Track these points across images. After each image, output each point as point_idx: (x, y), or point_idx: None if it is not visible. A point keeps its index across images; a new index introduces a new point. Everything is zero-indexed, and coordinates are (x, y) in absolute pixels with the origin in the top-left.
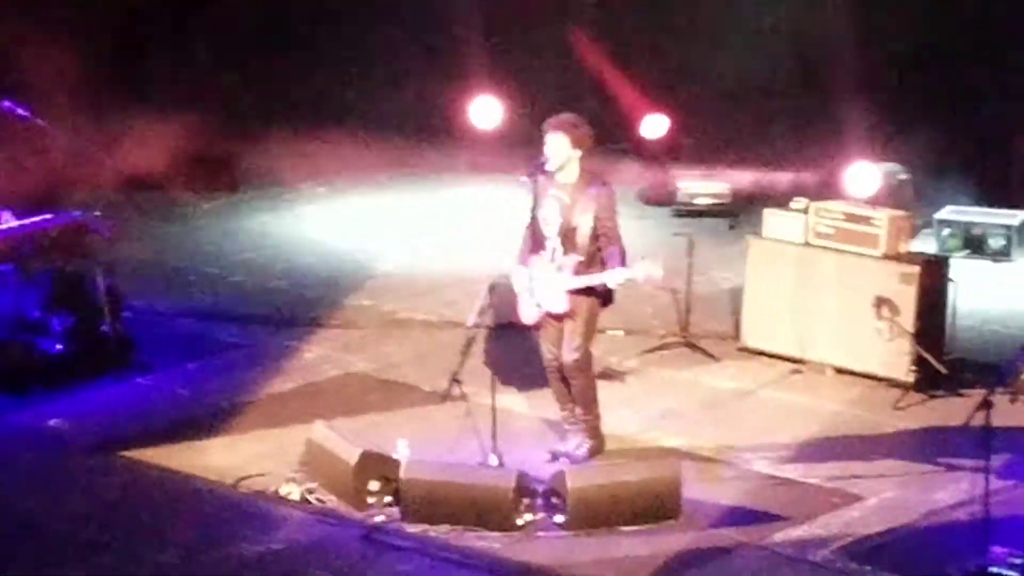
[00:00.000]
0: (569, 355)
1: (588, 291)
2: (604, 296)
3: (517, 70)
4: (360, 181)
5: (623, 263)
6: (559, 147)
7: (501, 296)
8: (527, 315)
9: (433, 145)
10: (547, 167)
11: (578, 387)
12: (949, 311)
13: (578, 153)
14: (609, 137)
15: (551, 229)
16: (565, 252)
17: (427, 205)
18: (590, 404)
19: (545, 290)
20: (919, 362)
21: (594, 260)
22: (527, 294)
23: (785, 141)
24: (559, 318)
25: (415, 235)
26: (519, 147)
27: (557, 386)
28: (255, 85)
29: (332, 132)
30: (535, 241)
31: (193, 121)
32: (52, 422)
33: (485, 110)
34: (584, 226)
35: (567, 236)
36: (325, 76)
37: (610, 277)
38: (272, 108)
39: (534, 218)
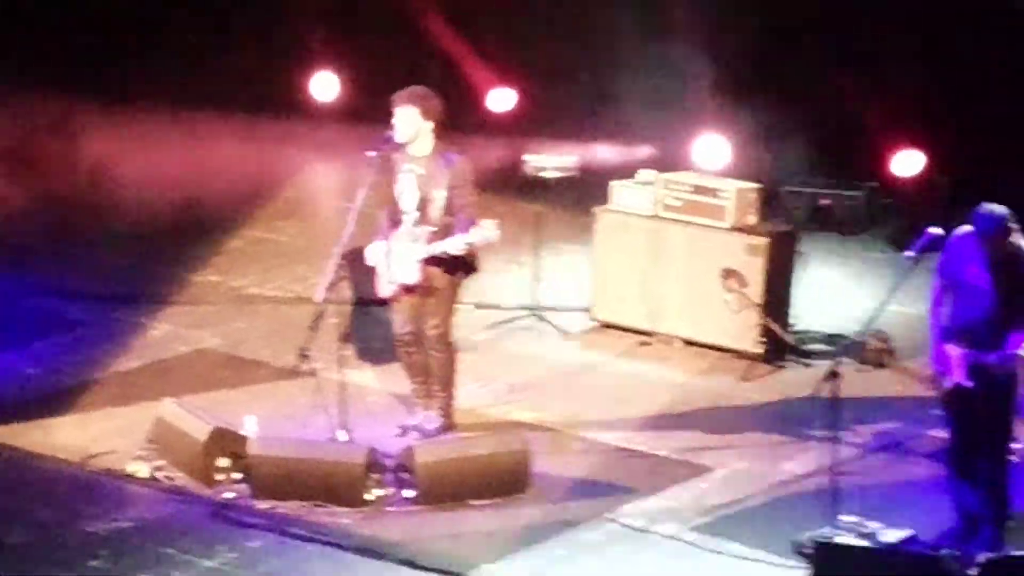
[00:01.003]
0: (432, 329)
1: (449, 265)
2: (466, 268)
3: (358, 45)
4: (204, 155)
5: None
6: (409, 120)
7: (351, 271)
8: (384, 289)
9: (275, 120)
10: (397, 140)
11: (440, 361)
12: (796, 283)
13: (429, 125)
14: (455, 111)
15: (408, 203)
16: (421, 223)
17: (274, 180)
18: (449, 379)
19: (399, 263)
20: (767, 333)
21: (449, 231)
22: (383, 268)
23: (633, 114)
24: (413, 291)
25: (265, 209)
26: (364, 123)
27: (408, 360)
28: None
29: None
30: (393, 216)
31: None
32: None
33: (324, 85)
34: (439, 198)
35: (423, 207)
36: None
37: (450, 244)
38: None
39: (390, 194)
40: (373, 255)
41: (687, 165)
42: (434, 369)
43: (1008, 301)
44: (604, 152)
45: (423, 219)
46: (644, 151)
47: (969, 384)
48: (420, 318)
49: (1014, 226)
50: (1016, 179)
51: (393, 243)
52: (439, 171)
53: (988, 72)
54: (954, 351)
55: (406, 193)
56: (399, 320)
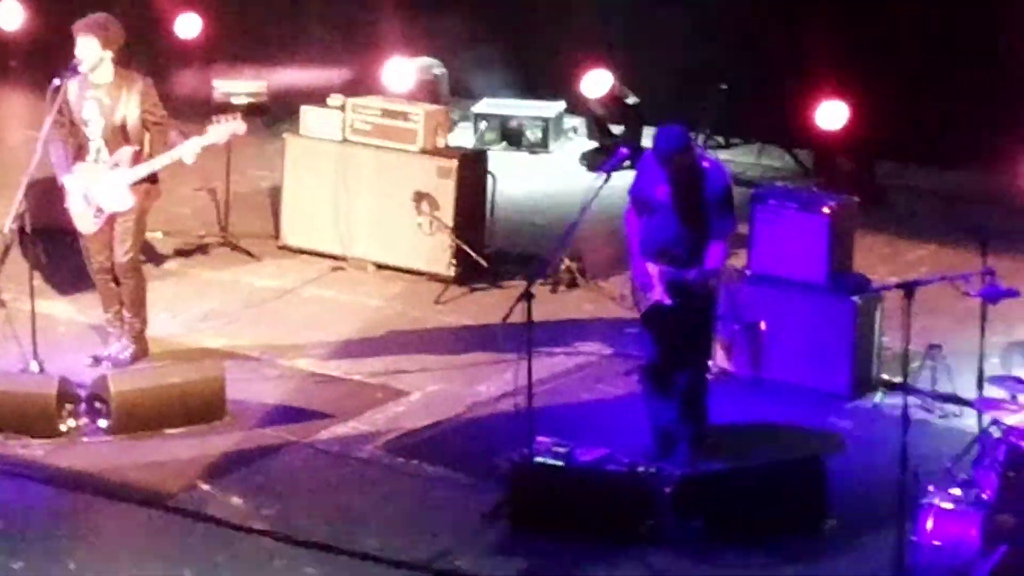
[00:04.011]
0: (122, 256)
1: (140, 188)
2: (154, 194)
3: None
4: None
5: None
6: (89, 48)
7: (39, 200)
8: (87, 224)
9: None
10: (80, 69)
11: (130, 288)
12: (488, 204)
13: (109, 53)
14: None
15: (94, 131)
16: (112, 151)
17: None
18: (140, 306)
19: (105, 192)
20: (459, 256)
21: (148, 150)
22: (83, 202)
23: (321, 37)
24: (114, 218)
25: None
26: (50, 51)
27: (105, 289)
28: None
29: None
30: (77, 149)
31: None
32: None
33: (9, 13)
34: (131, 119)
35: (113, 134)
36: None
37: (186, 149)
38: None
39: (72, 122)
40: (70, 191)
41: (377, 89)
42: (125, 297)
43: (693, 219)
44: (294, 77)
45: (112, 145)
46: (334, 75)
47: (669, 301)
48: (111, 245)
49: (694, 144)
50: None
51: (85, 175)
52: (125, 95)
53: None
54: (652, 269)
55: (91, 121)
56: (94, 248)
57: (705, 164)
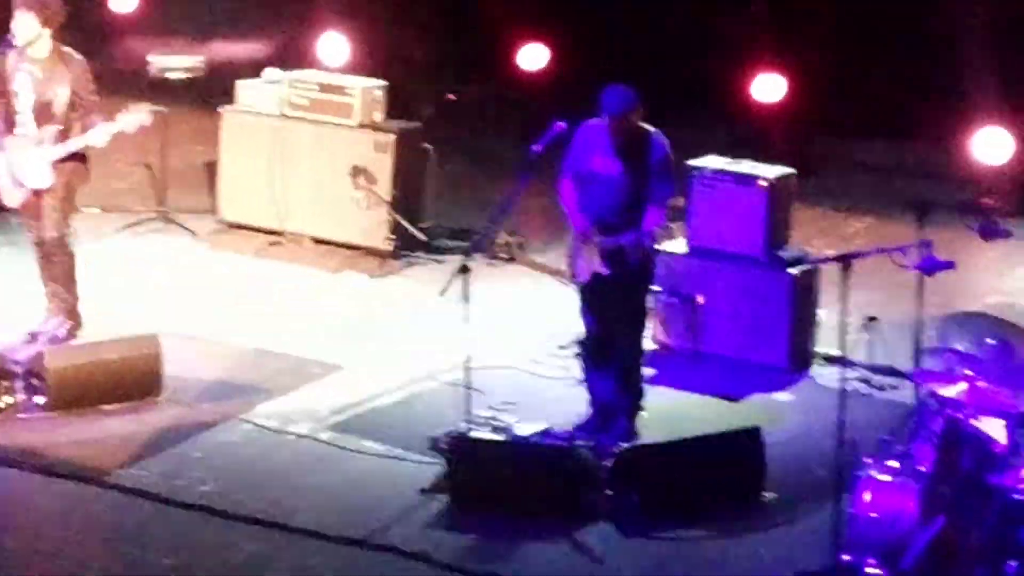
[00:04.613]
0: (50, 232)
1: (66, 165)
2: (81, 173)
3: None
4: None
5: None
6: (27, 25)
7: None
8: (11, 198)
9: None
10: (16, 44)
11: (59, 265)
12: (425, 179)
13: (48, 31)
14: (79, 12)
15: (23, 104)
16: (39, 126)
17: None
18: (70, 282)
19: (27, 167)
20: (397, 230)
21: (72, 130)
22: (7, 175)
23: (256, 10)
24: (40, 194)
25: None
26: None
27: (40, 263)
28: None
29: None
30: (7, 122)
31: None
32: None
33: None
34: (60, 97)
35: (41, 110)
36: None
37: (95, 135)
38: None
39: (5, 94)
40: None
41: (313, 63)
42: (56, 273)
43: (636, 183)
44: (230, 51)
45: (40, 120)
46: (269, 49)
47: (605, 271)
48: (43, 221)
49: (640, 108)
50: (636, 71)
51: (12, 150)
52: (59, 73)
53: None
54: (589, 240)
55: (22, 94)
56: (27, 222)
57: (646, 131)
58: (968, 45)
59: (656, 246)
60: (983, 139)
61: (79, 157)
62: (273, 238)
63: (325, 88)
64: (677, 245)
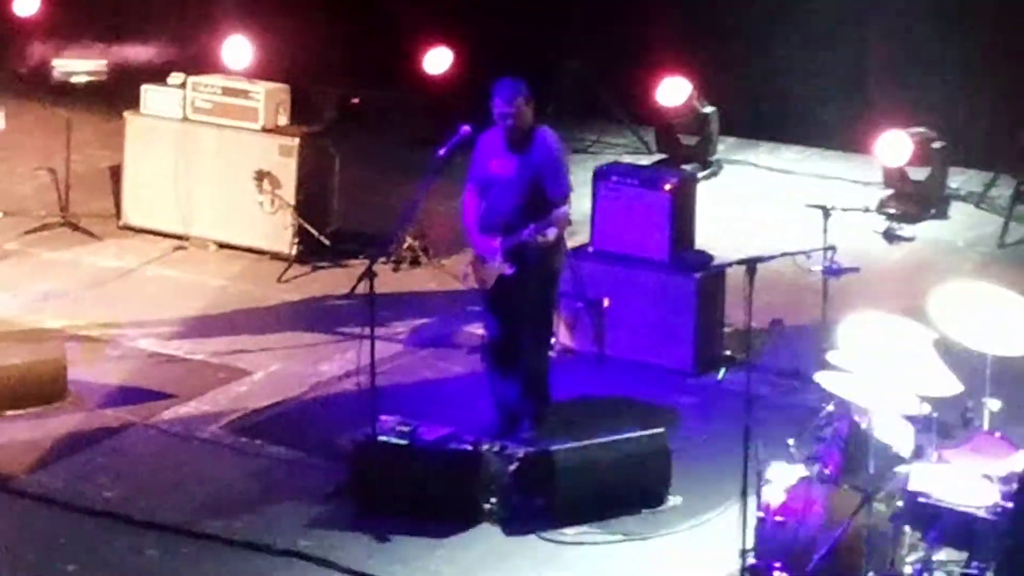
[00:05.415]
0: None
1: None
2: None
3: None
4: None
5: None
6: None
7: None
8: None
9: None
10: None
11: None
12: (330, 183)
13: None
14: None
15: None
16: None
17: None
18: None
19: None
20: (302, 234)
21: None
22: None
23: (161, 14)
24: None
25: None
26: None
27: None
28: None
29: None
30: None
31: None
32: None
33: None
34: None
35: None
36: None
37: None
38: None
39: None
40: None
41: (218, 67)
42: None
43: (531, 181)
44: (134, 55)
45: None
46: (174, 53)
47: (509, 271)
48: None
49: (531, 103)
50: (541, 75)
51: None
52: None
53: None
54: (492, 243)
55: None
56: None
57: (537, 128)
58: (869, 49)
59: (564, 248)
60: (885, 142)
61: None
62: (178, 242)
63: (229, 92)
64: (582, 249)
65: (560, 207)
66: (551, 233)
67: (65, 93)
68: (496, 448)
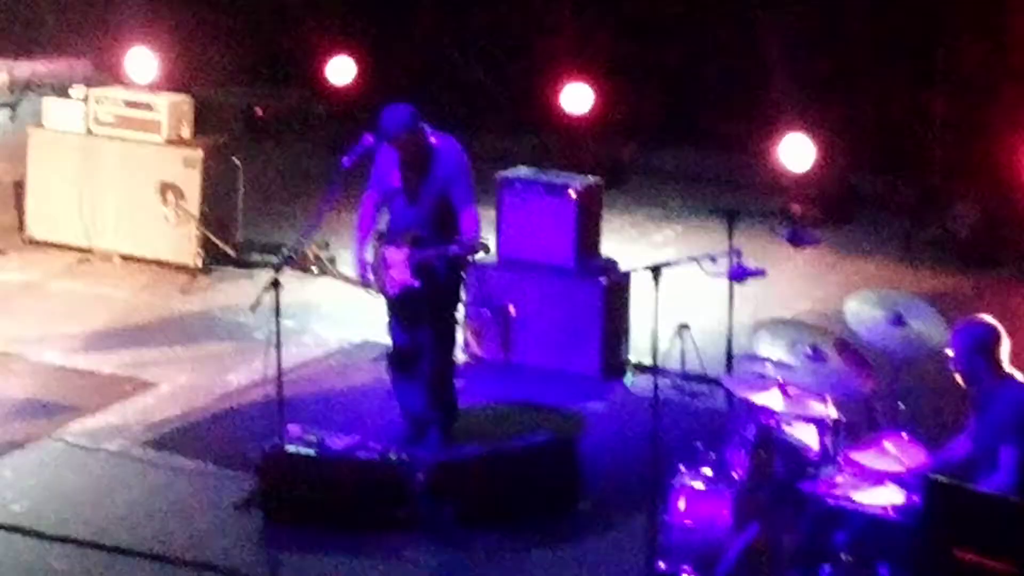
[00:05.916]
0: None
1: None
2: None
3: None
4: None
5: None
6: None
7: None
8: None
9: None
10: None
11: None
12: (234, 194)
13: None
14: None
15: None
16: None
17: None
18: None
19: None
20: (206, 245)
21: None
22: None
23: (62, 27)
24: None
25: None
26: None
27: None
28: None
29: None
30: None
31: None
32: None
33: None
34: None
35: None
36: None
37: None
38: None
39: None
40: None
41: (121, 79)
42: None
43: (427, 199)
44: (35, 69)
45: None
46: (77, 65)
47: (416, 283)
48: None
49: (422, 124)
50: (443, 82)
51: None
52: None
53: None
54: (397, 254)
55: None
56: None
57: (435, 141)
58: (770, 53)
59: (471, 258)
60: (787, 146)
61: None
62: (82, 255)
63: (131, 104)
64: (487, 256)
65: (470, 212)
66: (456, 251)
67: None
68: (405, 456)
